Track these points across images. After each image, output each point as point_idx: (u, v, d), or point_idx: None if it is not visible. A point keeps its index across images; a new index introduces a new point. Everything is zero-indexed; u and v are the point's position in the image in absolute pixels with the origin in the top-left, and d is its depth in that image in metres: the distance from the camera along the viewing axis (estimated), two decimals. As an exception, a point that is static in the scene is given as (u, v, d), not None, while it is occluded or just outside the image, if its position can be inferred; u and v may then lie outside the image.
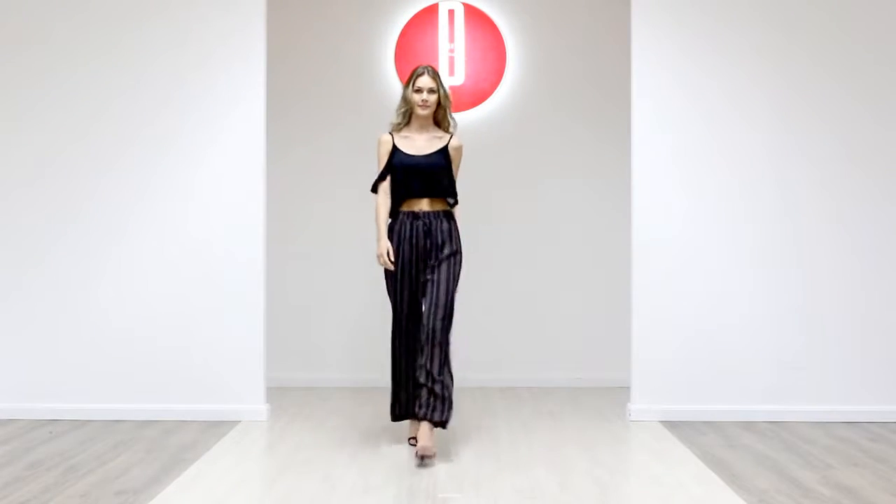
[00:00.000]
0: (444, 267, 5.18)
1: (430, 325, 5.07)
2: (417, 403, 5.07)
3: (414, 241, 5.23)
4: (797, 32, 6.12)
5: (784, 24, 6.12)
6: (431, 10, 7.38)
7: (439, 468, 4.61)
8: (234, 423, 5.92)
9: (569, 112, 7.42)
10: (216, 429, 5.74)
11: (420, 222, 5.24)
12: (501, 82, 7.39)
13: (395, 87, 7.39)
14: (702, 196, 6.10)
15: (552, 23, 7.45)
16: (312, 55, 7.42)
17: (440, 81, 5.30)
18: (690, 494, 4.42)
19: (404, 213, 5.26)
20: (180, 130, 6.08)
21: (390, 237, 5.23)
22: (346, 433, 5.69)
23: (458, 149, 5.35)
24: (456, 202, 5.31)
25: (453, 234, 5.26)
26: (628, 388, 6.15)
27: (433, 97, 5.28)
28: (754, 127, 6.11)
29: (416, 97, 5.27)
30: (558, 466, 4.90)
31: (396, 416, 5.40)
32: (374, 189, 5.31)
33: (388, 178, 5.26)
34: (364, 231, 7.41)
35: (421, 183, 5.23)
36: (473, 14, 7.38)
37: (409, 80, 5.29)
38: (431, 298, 5.12)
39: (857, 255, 6.10)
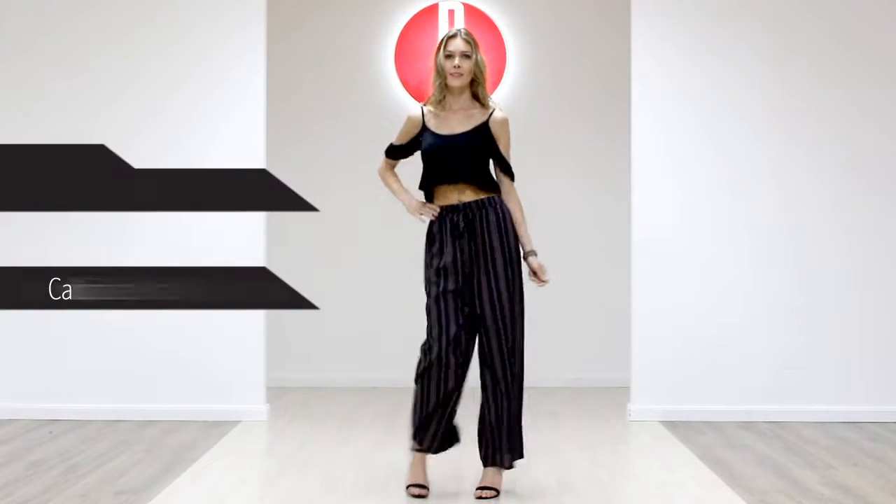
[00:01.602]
0: (506, 289, 4.34)
1: (508, 371, 4.34)
2: (491, 447, 4.38)
3: (457, 243, 4.35)
4: (797, 34, 6.12)
5: (784, 26, 6.12)
6: (431, 10, 7.38)
7: (439, 469, 4.61)
8: (234, 423, 5.91)
9: (569, 112, 7.42)
10: (216, 429, 5.74)
11: (460, 216, 4.36)
12: (501, 82, 7.39)
13: (396, 87, 7.40)
14: (702, 196, 6.10)
15: (552, 23, 7.45)
16: (312, 55, 7.42)
17: (476, 46, 4.41)
18: (690, 494, 4.42)
19: (442, 209, 4.39)
20: (180, 130, 6.08)
21: (429, 236, 4.40)
22: (346, 433, 5.69)
23: (503, 123, 4.55)
24: (512, 178, 4.54)
25: (504, 232, 4.37)
26: (628, 388, 6.15)
27: (468, 63, 4.38)
28: (754, 128, 6.11)
29: (448, 64, 4.37)
30: (558, 466, 4.90)
31: (425, 447, 4.42)
32: (387, 153, 4.55)
33: (398, 159, 4.54)
34: (364, 231, 7.43)
35: (454, 166, 4.38)
36: (473, 14, 7.38)
37: (440, 46, 4.41)
38: (502, 339, 4.32)
39: (856, 256, 6.09)
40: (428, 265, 4.40)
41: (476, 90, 4.46)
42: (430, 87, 4.47)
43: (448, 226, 4.37)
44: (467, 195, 4.39)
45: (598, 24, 7.39)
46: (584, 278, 7.40)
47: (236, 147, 6.04)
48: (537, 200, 7.39)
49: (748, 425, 5.89)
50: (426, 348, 4.31)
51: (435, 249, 4.38)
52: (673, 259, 6.08)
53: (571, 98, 7.42)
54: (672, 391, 6.06)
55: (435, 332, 4.29)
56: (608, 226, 7.30)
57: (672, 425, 5.87)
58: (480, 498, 4.31)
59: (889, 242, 6.10)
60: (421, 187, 4.49)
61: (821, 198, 6.11)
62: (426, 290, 4.38)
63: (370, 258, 7.38)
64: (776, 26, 6.12)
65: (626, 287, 6.25)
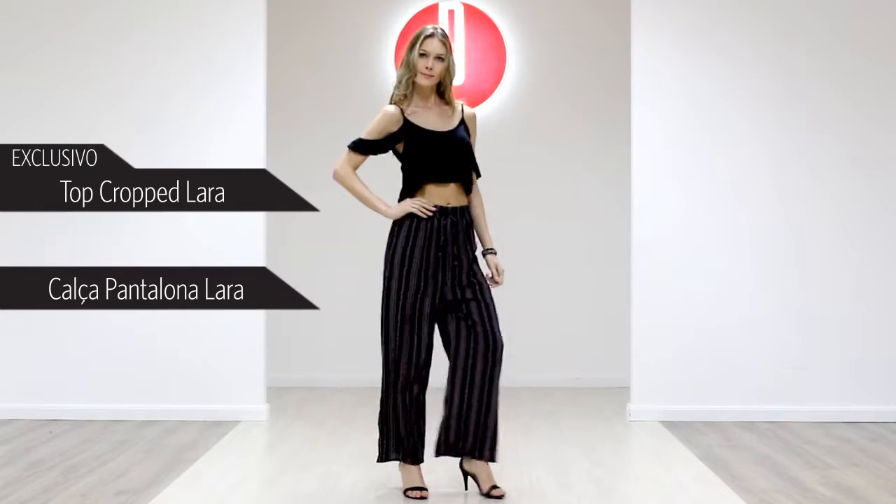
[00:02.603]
0: (486, 291, 4.32)
1: (491, 367, 4.24)
2: (477, 443, 4.28)
3: (440, 246, 4.28)
4: (797, 34, 6.12)
5: (784, 26, 6.12)
6: (431, 10, 7.38)
7: (439, 469, 4.61)
8: (234, 423, 5.92)
9: (569, 112, 7.42)
10: (216, 429, 5.74)
11: (448, 221, 4.29)
12: (501, 82, 7.40)
13: (395, 87, 7.39)
14: (702, 196, 6.11)
15: (552, 23, 7.45)
16: (312, 55, 7.42)
17: (450, 48, 4.33)
18: (690, 494, 4.43)
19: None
20: (181, 130, 6.09)
21: (407, 237, 4.29)
22: (346, 433, 5.69)
23: (475, 118, 4.46)
24: (479, 175, 4.45)
25: (475, 241, 4.40)
26: (628, 388, 6.15)
27: (440, 66, 4.29)
28: (754, 128, 6.11)
29: (420, 63, 4.29)
30: (558, 466, 4.90)
31: (387, 455, 4.41)
32: (351, 145, 4.41)
33: (366, 155, 4.41)
34: (364, 231, 7.41)
35: (449, 164, 4.30)
36: (473, 14, 7.39)
37: (414, 42, 4.30)
38: (487, 333, 4.24)
39: (856, 256, 6.10)
40: (401, 264, 4.29)
41: (443, 91, 4.38)
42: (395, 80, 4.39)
43: (436, 227, 4.29)
44: (454, 198, 4.33)
45: (598, 24, 7.39)
46: (585, 278, 7.40)
47: (236, 147, 6.04)
48: (537, 200, 7.43)
49: (748, 425, 5.89)
50: (392, 366, 4.32)
51: (414, 250, 4.27)
52: (673, 259, 6.09)
53: (571, 98, 7.42)
54: (672, 391, 6.06)
55: (405, 356, 4.30)
56: (608, 226, 7.30)
57: (672, 425, 5.87)
58: (501, 497, 4.28)
59: (889, 242, 6.10)
60: (405, 188, 4.36)
61: (821, 198, 6.11)
62: (395, 291, 4.30)
63: (370, 258, 7.34)
64: (776, 26, 6.12)
65: (626, 287, 6.25)
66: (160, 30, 6.10)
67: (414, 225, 4.30)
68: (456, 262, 4.30)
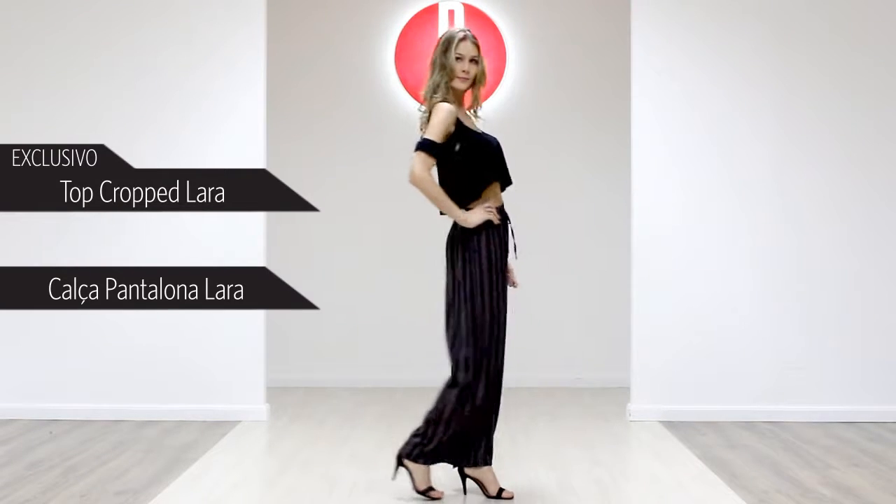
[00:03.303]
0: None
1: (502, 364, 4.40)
2: (484, 450, 4.35)
3: (504, 249, 4.35)
4: (797, 34, 6.12)
5: (784, 26, 6.12)
6: (431, 10, 7.39)
7: (439, 469, 4.61)
8: (234, 423, 5.92)
9: (569, 112, 7.42)
10: (216, 429, 5.75)
11: (508, 221, 4.38)
12: (501, 82, 7.40)
13: (396, 87, 7.39)
14: (702, 197, 6.11)
15: (552, 23, 7.45)
16: (312, 55, 7.42)
17: (480, 52, 4.32)
18: (690, 494, 4.43)
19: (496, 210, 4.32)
20: (180, 130, 6.09)
21: (488, 242, 4.27)
22: (346, 433, 5.70)
23: None
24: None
25: None
26: (628, 388, 6.15)
27: (475, 69, 4.29)
28: (755, 128, 6.11)
29: (458, 67, 4.25)
30: (558, 466, 4.90)
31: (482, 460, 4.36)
32: (425, 148, 4.19)
33: (434, 161, 4.25)
34: (364, 231, 7.43)
35: (500, 167, 4.36)
36: (473, 14, 7.39)
37: (448, 46, 4.25)
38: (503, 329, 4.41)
39: (856, 256, 6.10)
40: (489, 268, 4.26)
41: (476, 93, 4.37)
42: (427, 86, 4.31)
43: (503, 227, 4.33)
44: (501, 198, 4.37)
45: (598, 24, 7.39)
46: (585, 278, 7.40)
47: (236, 147, 6.04)
48: (537, 201, 7.42)
49: (748, 425, 5.89)
50: (482, 360, 4.25)
51: (500, 253, 4.28)
52: (673, 259, 6.09)
53: (571, 98, 7.42)
54: (672, 391, 6.06)
55: (500, 359, 4.35)
56: (608, 226, 7.30)
57: (672, 425, 5.87)
58: (511, 497, 4.31)
59: (889, 242, 6.10)
60: (463, 190, 4.28)
61: (821, 197, 6.11)
62: (489, 294, 4.26)
63: (370, 258, 7.38)
64: (777, 26, 6.12)
65: (626, 287, 6.25)
66: (160, 30, 6.10)
67: (493, 230, 4.28)
68: (505, 256, 4.36)
